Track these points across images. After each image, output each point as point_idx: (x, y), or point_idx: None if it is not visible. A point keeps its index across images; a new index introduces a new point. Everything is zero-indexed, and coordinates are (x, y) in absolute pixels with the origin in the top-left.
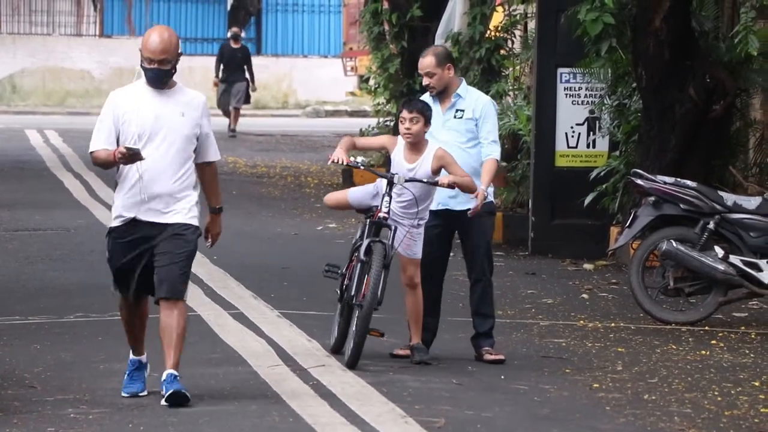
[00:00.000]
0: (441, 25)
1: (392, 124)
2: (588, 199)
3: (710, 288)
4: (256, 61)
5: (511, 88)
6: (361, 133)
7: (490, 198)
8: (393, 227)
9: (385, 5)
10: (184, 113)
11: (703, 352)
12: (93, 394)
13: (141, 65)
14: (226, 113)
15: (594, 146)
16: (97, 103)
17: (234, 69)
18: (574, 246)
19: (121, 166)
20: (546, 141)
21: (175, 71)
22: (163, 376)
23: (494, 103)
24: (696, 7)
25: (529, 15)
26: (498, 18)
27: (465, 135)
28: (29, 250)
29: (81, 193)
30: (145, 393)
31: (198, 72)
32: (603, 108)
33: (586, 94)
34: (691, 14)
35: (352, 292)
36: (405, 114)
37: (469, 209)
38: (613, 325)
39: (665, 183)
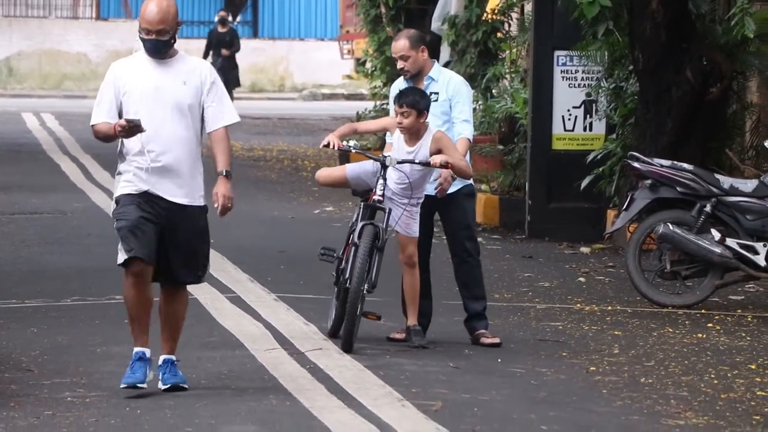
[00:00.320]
0: (437, 8)
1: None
2: (585, 183)
3: (707, 271)
4: (253, 44)
5: (507, 71)
6: (358, 117)
7: (470, 180)
8: (387, 210)
9: None
10: (186, 81)
11: (700, 335)
12: (90, 378)
13: (139, 36)
14: None
15: (591, 129)
16: (93, 86)
17: (222, 55)
18: (570, 229)
19: (125, 141)
20: (543, 124)
21: (175, 41)
22: (160, 361)
23: (467, 83)
24: None
25: None
26: (495, 0)
27: (441, 117)
28: (26, 234)
29: (77, 176)
30: (145, 386)
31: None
32: (600, 91)
33: (582, 77)
34: None
35: (347, 275)
36: (396, 108)
37: (451, 193)
38: (609, 308)
39: (662, 166)
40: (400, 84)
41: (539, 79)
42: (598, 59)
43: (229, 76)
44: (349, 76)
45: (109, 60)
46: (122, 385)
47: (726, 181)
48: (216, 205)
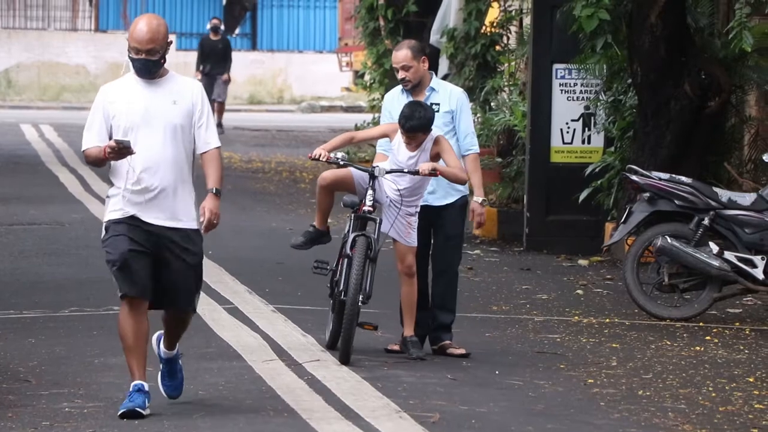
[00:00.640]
0: (436, 21)
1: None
2: (583, 195)
3: (705, 284)
4: (251, 56)
5: (506, 83)
6: (356, 129)
7: (464, 191)
8: (378, 220)
9: (381, 0)
10: (176, 101)
11: (698, 348)
12: (87, 388)
13: (128, 56)
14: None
15: (589, 142)
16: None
17: (215, 61)
18: (568, 242)
19: (114, 163)
20: (541, 137)
21: (165, 61)
22: (163, 354)
23: (466, 95)
24: (691, 4)
25: (524, 11)
26: (493, 14)
27: (442, 129)
28: (24, 245)
29: (76, 187)
30: (145, 411)
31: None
32: (598, 104)
33: (581, 90)
34: (686, 10)
35: (341, 287)
36: (406, 133)
37: (447, 204)
38: (607, 320)
39: (660, 179)
40: (396, 95)
41: (538, 92)
42: (596, 72)
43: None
44: (347, 89)
45: (107, 72)
46: (120, 411)
47: (724, 194)
48: (201, 219)
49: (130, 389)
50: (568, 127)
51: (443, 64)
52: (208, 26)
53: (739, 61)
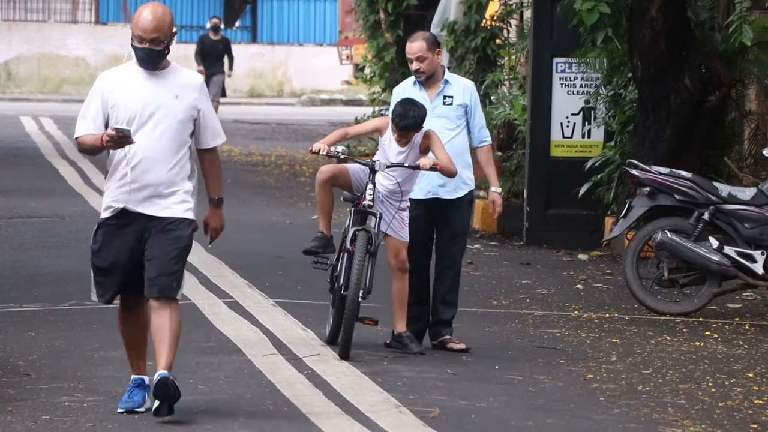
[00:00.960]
0: (437, 14)
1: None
2: (583, 190)
3: (704, 279)
4: (251, 49)
5: (506, 77)
6: (356, 122)
7: (471, 185)
8: (378, 214)
9: None
10: (178, 95)
11: (697, 343)
12: (87, 382)
13: (131, 44)
14: None
15: (589, 136)
16: None
17: (213, 61)
18: (568, 236)
19: (112, 152)
20: (541, 131)
21: (169, 51)
22: (155, 378)
23: (476, 88)
24: None
25: (524, 4)
26: (494, 7)
27: (455, 122)
28: (24, 238)
29: (76, 180)
30: (143, 409)
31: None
32: (598, 98)
33: (581, 84)
34: (686, 4)
35: (341, 282)
36: (394, 128)
37: (457, 198)
38: (607, 315)
39: (660, 173)
40: (407, 87)
41: (538, 85)
42: (597, 66)
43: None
44: (347, 82)
45: (107, 64)
46: (119, 410)
47: (724, 189)
48: (207, 236)
49: (130, 383)
50: (568, 121)
51: (443, 58)
52: (209, 25)
53: (740, 55)
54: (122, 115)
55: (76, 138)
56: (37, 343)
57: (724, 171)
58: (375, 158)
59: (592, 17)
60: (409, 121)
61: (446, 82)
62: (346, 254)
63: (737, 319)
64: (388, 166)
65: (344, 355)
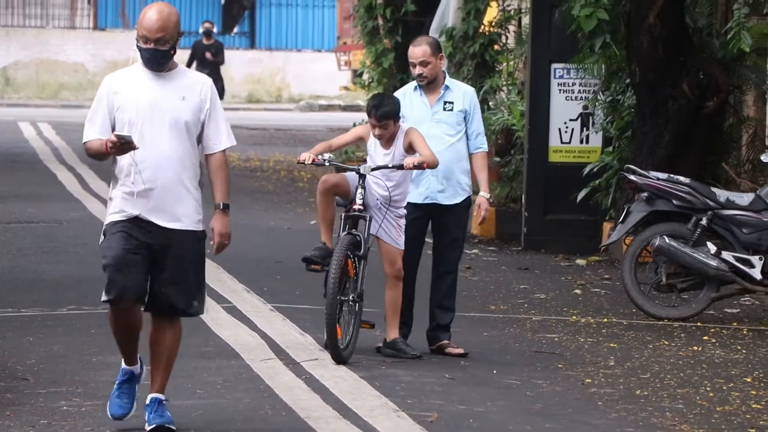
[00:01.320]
0: (435, 20)
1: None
2: (581, 195)
3: (702, 284)
4: (250, 54)
5: (504, 83)
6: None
7: (469, 191)
8: (368, 217)
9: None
10: (184, 97)
11: (695, 347)
12: (86, 387)
13: (136, 45)
14: None
15: (587, 142)
16: (90, 96)
17: (207, 66)
18: (567, 241)
19: (118, 159)
20: (539, 136)
21: (175, 52)
22: (147, 400)
23: (476, 93)
24: (690, 4)
25: (523, 10)
26: (492, 13)
27: (455, 128)
28: (22, 243)
29: (74, 185)
30: (132, 413)
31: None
32: (596, 104)
33: (579, 90)
34: (685, 11)
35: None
36: (373, 121)
37: (455, 204)
38: (605, 320)
39: (658, 179)
40: (407, 92)
41: (536, 91)
42: (595, 72)
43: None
44: (345, 88)
45: (106, 70)
46: (109, 413)
47: (722, 194)
48: (212, 243)
49: (120, 375)
50: (567, 127)
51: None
52: (201, 30)
53: (738, 61)
54: (128, 117)
55: (84, 143)
56: (36, 348)
57: (722, 176)
58: (371, 159)
59: (590, 23)
60: (386, 107)
61: (447, 87)
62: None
63: (735, 323)
64: (373, 169)
65: (335, 358)
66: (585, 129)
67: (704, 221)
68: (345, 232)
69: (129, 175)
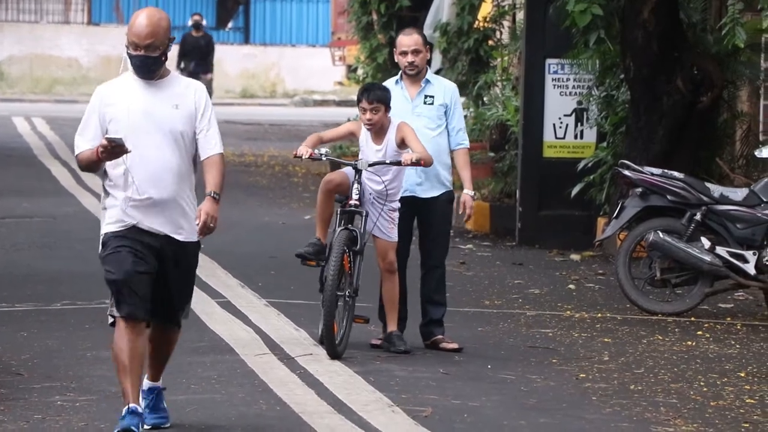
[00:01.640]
0: (429, 15)
1: None
2: (575, 190)
3: (696, 279)
4: (244, 50)
5: (499, 78)
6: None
7: (449, 186)
8: (365, 212)
9: None
10: (177, 105)
11: (689, 342)
12: (80, 382)
13: (126, 51)
14: None
15: (581, 137)
16: (84, 91)
17: (197, 59)
18: (561, 237)
19: (110, 169)
20: (534, 132)
21: (166, 59)
22: (144, 386)
23: (457, 89)
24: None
25: (517, 6)
26: (486, 8)
27: (435, 122)
28: (16, 238)
29: (68, 180)
30: (169, 425)
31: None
32: (591, 99)
33: (574, 85)
34: (679, 6)
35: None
36: (365, 104)
37: (434, 197)
38: (599, 315)
39: (652, 174)
40: (390, 86)
41: (530, 87)
42: (589, 67)
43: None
44: (340, 83)
45: (100, 65)
46: (146, 426)
47: (716, 189)
48: (197, 221)
49: (123, 413)
50: (561, 122)
51: (436, 59)
52: (190, 22)
53: (732, 56)
54: (121, 129)
55: (76, 156)
56: (30, 343)
57: (716, 172)
58: (362, 155)
59: (584, 19)
60: (377, 91)
61: (428, 81)
62: (330, 253)
63: (729, 318)
64: (370, 165)
65: (330, 354)
66: (579, 124)
67: (698, 216)
68: (342, 228)
69: (123, 185)
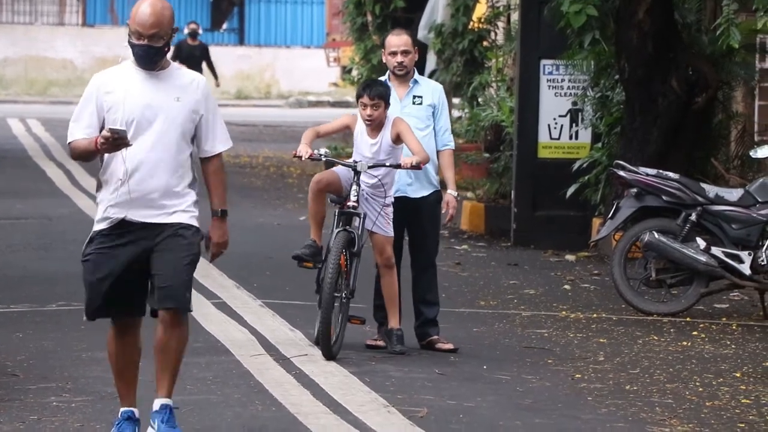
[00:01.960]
0: (424, 16)
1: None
2: (570, 191)
3: (692, 279)
4: (239, 51)
5: (494, 79)
6: None
7: (437, 186)
8: (362, 214)
9: None
10: (179, 98)
11: (685, 343)
12: (75, 383)
13: (129, 41)
14: None
15: (576, 138)
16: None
17: (192, 67)
18: (556, 237)
19: (106, 161)
20: (529, 132)
21: (169, 49)
22: (156, 406)
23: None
24: (679, 0)
25: (512, 6)
26: (481, 9)
27: (424, 122)
28: (11, 239)
29: (63, 181)
30: None
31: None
32: (586, 100)
33: (568, 86)
34: (674, 6)
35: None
36: (366, 100)
37: (423, 197)
38: (595, 316)
39: (647, 175)
40: None
41: (525, 87)
42: (584, 68)
43: None
44: (335, 84)
45: (94, 66)
46: None
47: (711, 190)
48: (207, 251)
49: (119, 417)
50: (556, 123)
51: (431, 60)
52: (186, 30)
53: (726, 57)
54: (119, 118)
55: (69, 143)
56: (25, 344)
57: (711, 172)
58: (358, 148)
59: (579, 19)
60: (379, 88)
61: (416, 82)
62: (328, 255)
63: (724, 319)
64: (370, 167)
65: (326, 355)
66: (574, 125)
67: (693, 217)
68: (340, 229)
69: (120, 179)
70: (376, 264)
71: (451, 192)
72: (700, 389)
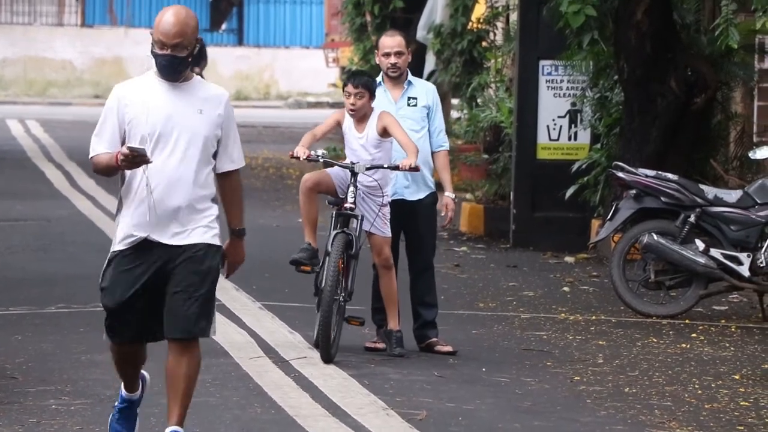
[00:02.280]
0: (423, 17)
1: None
2: (569, 192)
3: (691, 281)
4: (238, 51)
5: (492, 80)
6: None
7: (433, 187)
8: (360, 216)
9: None
10: (202, 110)
11: (684, 345)
12: (75, 385)
13: (151, 51)
14: None
15: (575, 139)
16: (78, 93)
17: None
18: (555, 239)
19: (127, 178)
20: (528, 133)
21: (192, 60)
22: None
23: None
24: (677, 0)
25: (511, 7)
26: (480, 10)
27: (419, 123)
28: (10, 241)
29: (62, 183)
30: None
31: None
32: (585, 100)
33: (567, 87)
34: (672, 7)
35: (322, 285)
36: (350, 89)
37: (420, 199)
38: (594, 318)
39: (646, 176)
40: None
41: (524, 88)
42: (583, 69)
43: None
44: (334, 85)
45: (93, 67)
46: None
47: (710, 191)
48: (222, 272)
49: (119, 402)
50: (555, 124)
51: (430, 61)
52: None
53: (725, 57)
54: (141, 131)
55: (91, 158)
56: (24, 346)
57: (710, 173)
58: (347, 143)
59: (578, 20)
60: (363, 77)
61: (410, 83)
62: (327, 257)
63: (723, 321)
64: (367, 168)
65: (325, 358)
66: (573, 126)
67: (692, 218)
68: (338, 231)
69: (142, 197)
70: (373, 265)
71: (449, 194)
72: (699, 391)
